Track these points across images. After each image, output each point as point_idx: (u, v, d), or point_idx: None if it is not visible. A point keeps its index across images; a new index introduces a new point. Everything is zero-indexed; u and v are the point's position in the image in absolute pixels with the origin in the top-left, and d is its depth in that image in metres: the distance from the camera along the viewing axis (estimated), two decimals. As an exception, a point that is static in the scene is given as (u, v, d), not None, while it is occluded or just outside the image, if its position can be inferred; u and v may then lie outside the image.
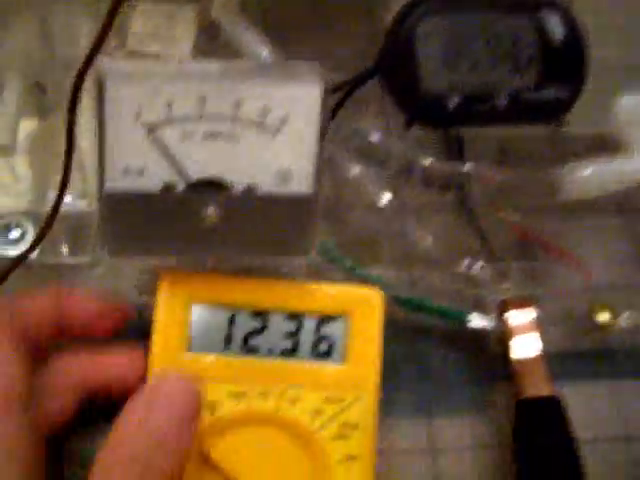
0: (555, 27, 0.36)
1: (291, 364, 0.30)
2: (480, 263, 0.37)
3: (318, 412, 0.30)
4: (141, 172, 0.29)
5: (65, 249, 0.36)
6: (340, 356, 0.31)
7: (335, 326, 0.31)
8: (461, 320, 0.36)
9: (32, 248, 0.32)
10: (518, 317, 0.35)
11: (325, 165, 0.30)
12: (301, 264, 0.32)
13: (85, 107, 0.29)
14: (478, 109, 0.35)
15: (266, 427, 0.30)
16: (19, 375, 0.28)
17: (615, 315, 0.37)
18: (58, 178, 0.31)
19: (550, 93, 0.36)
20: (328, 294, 0.31)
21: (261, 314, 0.31)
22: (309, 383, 0.30)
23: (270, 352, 0.30)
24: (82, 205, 0.36)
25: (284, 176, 0.29)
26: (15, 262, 0.32)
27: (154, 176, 0.29)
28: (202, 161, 0.29)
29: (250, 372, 0.30)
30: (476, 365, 0.37)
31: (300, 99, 0.28)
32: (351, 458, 0.30)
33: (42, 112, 0.38)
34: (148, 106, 0.28)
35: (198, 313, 0.30)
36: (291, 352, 0.31)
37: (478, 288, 0.37)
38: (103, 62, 0.28)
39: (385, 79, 0.36)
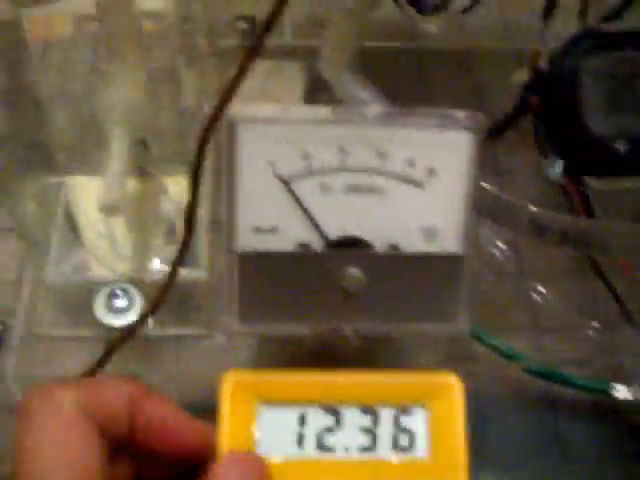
0: None
1: (371, 461, 0.27)
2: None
3: None
4: (275, 230, 0.26)
5: (170, 319, 0.33)
6: (423, 449, 0.27)
7: (415, 417, 0.27)
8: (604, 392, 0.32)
9: (142, 321, 0.30)
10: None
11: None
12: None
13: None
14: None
15: None
16: (100, 469, 0.24)
17: None
18: (158, 242, 0.29)
19: None
20: (403, 382, 0.28)
21: (333, 409, 0.27)
22: None
23: (347, 450, 0.27)
24: (196, 274, 0.32)
25: (429, 233, 0.27)
26: (125, 335, 0.29)
27: (289, 234, 0.26)
28: (341, 217, 0.26)
29: (326, 473, 0.27)
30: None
31: (452, 147, 0.26)
32: None
33: (141, 171, 0.36)
34: (284, 155, 0.25)
35: (265, 413, 0.27)
36: (369, 448, 0.27)
37: (615, 355, 0.34)
38: (235, 107, 0.26)
39: (541, 121, 0.33)
